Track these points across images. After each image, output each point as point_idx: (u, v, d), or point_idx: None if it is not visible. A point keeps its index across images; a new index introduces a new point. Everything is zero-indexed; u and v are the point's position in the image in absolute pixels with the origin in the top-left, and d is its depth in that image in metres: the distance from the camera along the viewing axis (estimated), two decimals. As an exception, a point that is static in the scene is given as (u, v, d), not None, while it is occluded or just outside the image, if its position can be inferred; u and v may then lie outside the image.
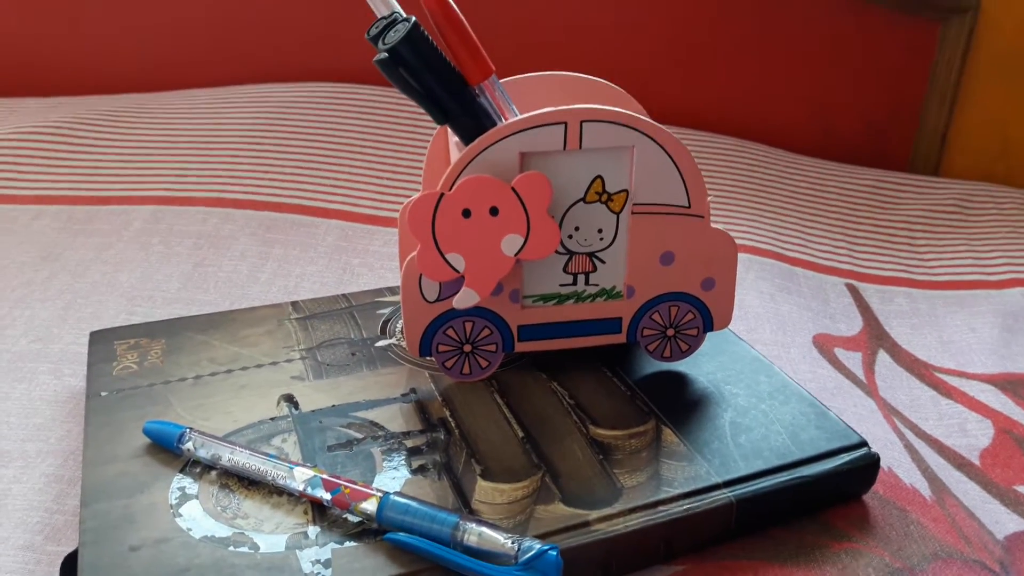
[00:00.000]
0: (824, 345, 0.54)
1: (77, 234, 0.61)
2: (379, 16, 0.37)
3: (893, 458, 0.43)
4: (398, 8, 0.37)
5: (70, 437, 0.42)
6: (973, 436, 0.47)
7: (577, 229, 0.40)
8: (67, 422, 0.43)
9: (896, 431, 0.46)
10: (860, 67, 0.82)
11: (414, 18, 0.36)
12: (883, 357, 0.54)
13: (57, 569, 0.35)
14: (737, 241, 0.61)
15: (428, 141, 0.44)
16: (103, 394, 0.41)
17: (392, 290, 0.51)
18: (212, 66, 0.84)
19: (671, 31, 0.82)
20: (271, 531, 0.33)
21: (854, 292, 0.61)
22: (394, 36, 0.35)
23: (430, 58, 0.36)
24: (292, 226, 0.63)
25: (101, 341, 0.45)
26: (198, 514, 0.34)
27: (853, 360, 0.53)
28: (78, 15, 0.84)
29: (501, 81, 0.40)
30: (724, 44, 0.82)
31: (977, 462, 0.45)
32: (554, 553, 0.31)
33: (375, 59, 0.36)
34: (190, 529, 0.33)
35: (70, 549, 0.35)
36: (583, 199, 0.39)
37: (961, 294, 0.62)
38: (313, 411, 0.40)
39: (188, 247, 0.59)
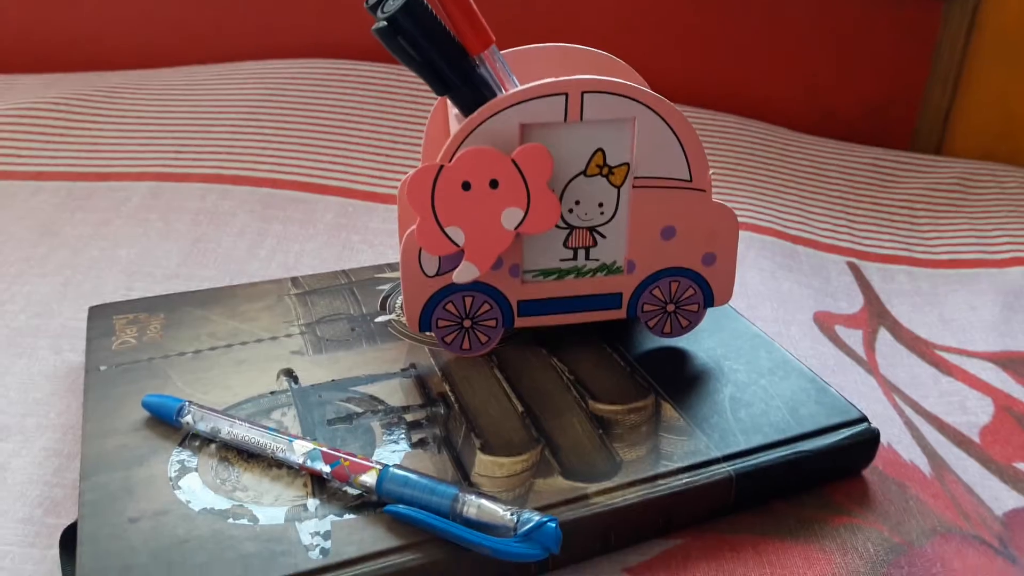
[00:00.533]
0: (825, 323, 0.53)
1: (76, 210, 0.60)
2: (378, -14, 0.36)
3: (893, 434, 0.43)
4: (397, -22, 0.36)
5: (69, 412, 0.42)
6: (973, 413, 0.47)
7: (577, 203, 0.40)
8: (66, 397, 0.43)
9: (896, 408, 0.46)
10: (863, 46, 0.81)
11: (414, -13, 0.35)
12: (884, 335, 0.53)
13: (56, 541, 0.35)
14: (738, 219, 0.61)
15: (427, 118, 0.44)
16: (102, 368, 0.41)
17: (392, 266, 0.50)
18: (210, 42, 0.84)
19: (672, 8, 0.81)
20: (270, 503, 0.33)
21: (855, 270, 0.61)
22: (393, 4, 0.35)
23: (429, 27, 0.35)
24: (291, 202, 0.62)
25: (100, 316, 0.45)
26: (197, 487, 0.34)
27: (854, 338, 0.53)
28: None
29: (501, 52, 0.39)
30: (725, 22, 0.82)
31: (977, 439, 0.45)
32: (553, 525, 0.31)
33: (373, 28, 0.35)
34: (189, 501, 0.33)
35: (69, 522, 0.35)
36: (584, 172, 0.39)
37: (962, 272, 0.61)
38: (313, 385, 0.40)
39: (187, 223, 0.59)
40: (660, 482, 0.35)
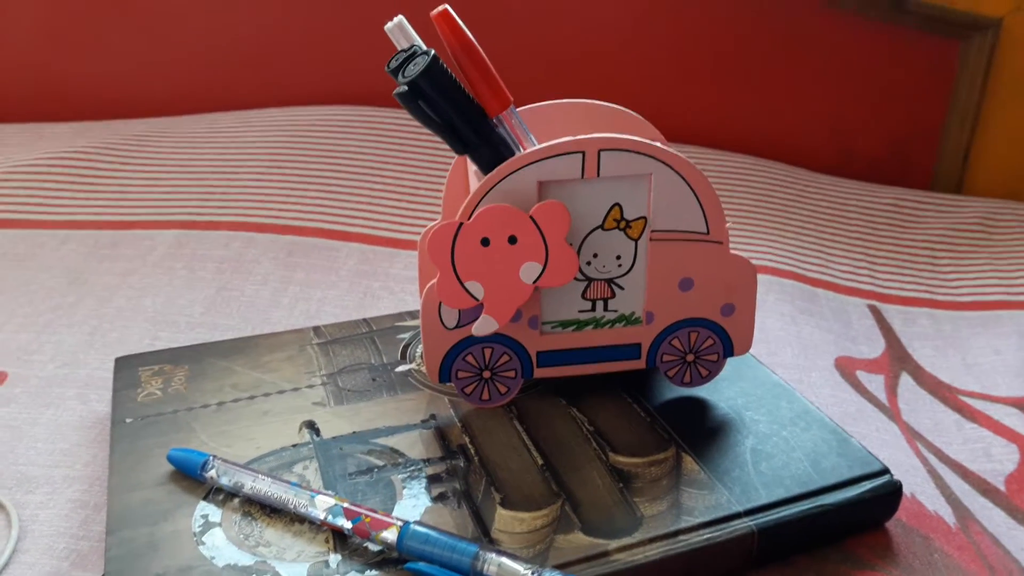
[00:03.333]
0: (846, 368, 0.53)
1: (103, 259, 0.61)
2: (399, 48, 0.37)
3: (916, 484, 0.43)
4: (418, 41, 0.37)
5: (96, 463, 0.43)
6: (998, 461, 0.46)
7: (595, 256, 0.40)
8: (93, 447, 0.44)
9: (919, 456, 0.46)
10: (880, 85, 0.82)
11: (433, 51, 0.36)
12: (906, 380, 0.53)
13: (83, 596, 0.35)
14: (757, 262, 0.61)
15: (449, 164, 0.44)
16: (128, 420, 0.42)
17: (412, 314, 0.51)
18: (234, 90, 0.86)
19: (690, 51, 0.82)
20: (293, 559, 0.34)
21: (876, 313, 0.61)
22: (414, 69, 0.36)
23: (449, 91, 0.36)
24: (314, 250, 0.63)
25: (126, 367, 0.46)
26: (221, 542, 0.34)
27: (875, 383, 0.52)
28: (104, 42, 0.85)
29: (520, 108, 0.40)
30: (742, 63, 0.82)
31: (1003, 488, 0.44)
32: (574, 584, 0.31)
33: (395, 92, 0.36)
34: (213, 557, 0.34)
35: (95, 576, 0.36)
36: (601, 226, 0.39)
37: (985, 315, 0.61)
38: (334, 438, 0.40)
39: (211, 271, 0.60)
40: (681, 538, 0.35)
